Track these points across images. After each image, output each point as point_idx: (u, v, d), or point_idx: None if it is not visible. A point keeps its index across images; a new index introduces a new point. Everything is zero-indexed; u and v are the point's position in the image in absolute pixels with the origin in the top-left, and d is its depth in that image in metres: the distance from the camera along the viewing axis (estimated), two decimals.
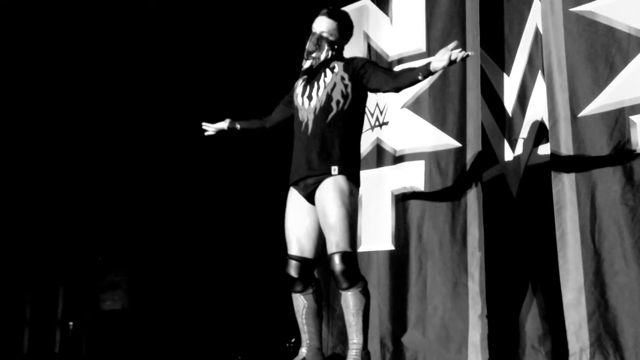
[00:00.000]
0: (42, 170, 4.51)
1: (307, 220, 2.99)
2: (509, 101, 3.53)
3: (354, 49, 4.04)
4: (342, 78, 2.99)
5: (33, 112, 4.48)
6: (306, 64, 3.08)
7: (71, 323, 4.51)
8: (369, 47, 4.00)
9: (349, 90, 2.97)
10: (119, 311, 4.57)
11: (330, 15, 3.05)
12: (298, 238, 2.99)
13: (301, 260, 2.98)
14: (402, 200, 3.78)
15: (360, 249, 3.93)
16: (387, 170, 3.86)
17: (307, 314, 3.02)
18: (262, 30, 4.54)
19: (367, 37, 4.02)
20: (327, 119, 2.96)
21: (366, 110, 3.95)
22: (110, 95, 4.58)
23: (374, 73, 2.91)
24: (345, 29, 3.08)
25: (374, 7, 3.99)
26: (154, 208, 4.64)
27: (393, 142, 3.85)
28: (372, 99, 3.95)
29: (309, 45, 3.05)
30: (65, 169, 4.54)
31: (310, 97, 3.03)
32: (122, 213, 4.63)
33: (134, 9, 4.34)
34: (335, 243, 2.86)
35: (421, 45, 3.72)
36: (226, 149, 4.48)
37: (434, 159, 3.64)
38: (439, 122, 3.65)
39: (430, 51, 3.67)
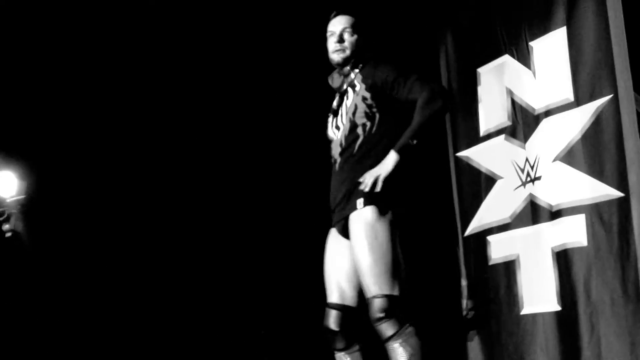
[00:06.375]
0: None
1: (346, 262, 2.65)
2: None
3: (496, 106, 4.00)
4: (364, 98, 2.67)
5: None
6: (336, 83, 2.76)
7: None
8: (513, 102, 3.92)
9: (375, 109, 2.65)
10: None
11: (345, 12, 2.76)
12: (338, 283, 2.66)
13: (341, 309, 2.62)
14: (564, 257, 3.59)
15: (523, 312, 3.77)
16: (544, 227, 3.70)
17: None
18: (272, 32, 4.33)
19: (510, 92, 3.94)
20: (354, 149, 2.67)
21: (515, 165, 3.87)
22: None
23: (412, 90, 2.64)
24: (364, 25, 2.78)
25: (514, 62, 3.92)
26: None
27: (548, 197, 3.69)
28: (521, 154, 3.84)
29: (333, 54, 2.72)
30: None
31: (337, 127, 2.74)
32: None
33: (133, 9, 4.22)
34: (369, 287, 2.50)
35: (569, 95, 3.59)
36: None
37: (595, 211, 3.45)
38: (597, 172, 3.46)
39: (579, 100, 3.53)
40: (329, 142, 2.94)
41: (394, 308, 2.47)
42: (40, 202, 3.89)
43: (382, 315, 2.45)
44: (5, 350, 3.95)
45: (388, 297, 2.46)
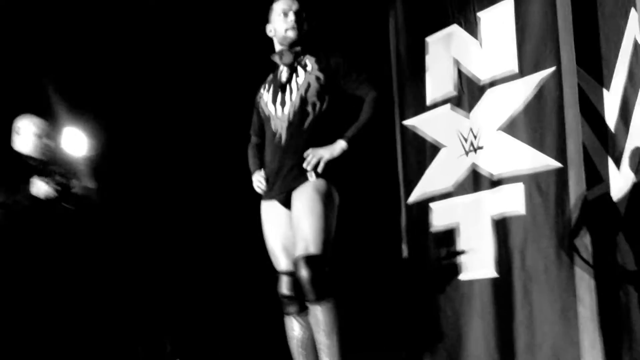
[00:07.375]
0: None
1: (290, 230, 2.68)
2: (611, 117, 3.40)
3: (443, 75, 4.04)
4: (317, 78, 2.74)
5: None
6: (286, 59, 2.80)
7: None
8: (459, 72, 3.96)
9: (326, 90, 2.72)
10: None
11: None
12: (285, 250, 2.70)
13: (293, 275, 2.60)
14: (502, 225, 3.68)
15: (461, 277, 3.85)
16: (484, 195, 3.77)
17: (304, 340, 2.66)
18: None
19: (456, 62, 3.98)
20: (304, 126, 2.72)
21: (459, 134, 3.93)
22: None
23: (361, 86, 2.75)
24: (309, 14, 2.85)
25: (461, 32, 3.95)
26: None
27: (489, 166, 3.77)
28: (466, 123, 3.90)
29: (289, 31, 2.78)
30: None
31: (283, 103, 2.77)
32: None
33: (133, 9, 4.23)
34: (304, 247, 2.54)
35: (513, 67, 3.65)
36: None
37: (533, 180, 3.54)
38: (537, 142, 3.55)
39: (523, 71, 3.59)
40: (261, 115, 2.96)
41: (322, 269, 2.53)
42: (109, 160, 3.81)
43: (310, 274, 2.51)
44: (81, 309, 3.85)
45: (318, 258, 2.53)
